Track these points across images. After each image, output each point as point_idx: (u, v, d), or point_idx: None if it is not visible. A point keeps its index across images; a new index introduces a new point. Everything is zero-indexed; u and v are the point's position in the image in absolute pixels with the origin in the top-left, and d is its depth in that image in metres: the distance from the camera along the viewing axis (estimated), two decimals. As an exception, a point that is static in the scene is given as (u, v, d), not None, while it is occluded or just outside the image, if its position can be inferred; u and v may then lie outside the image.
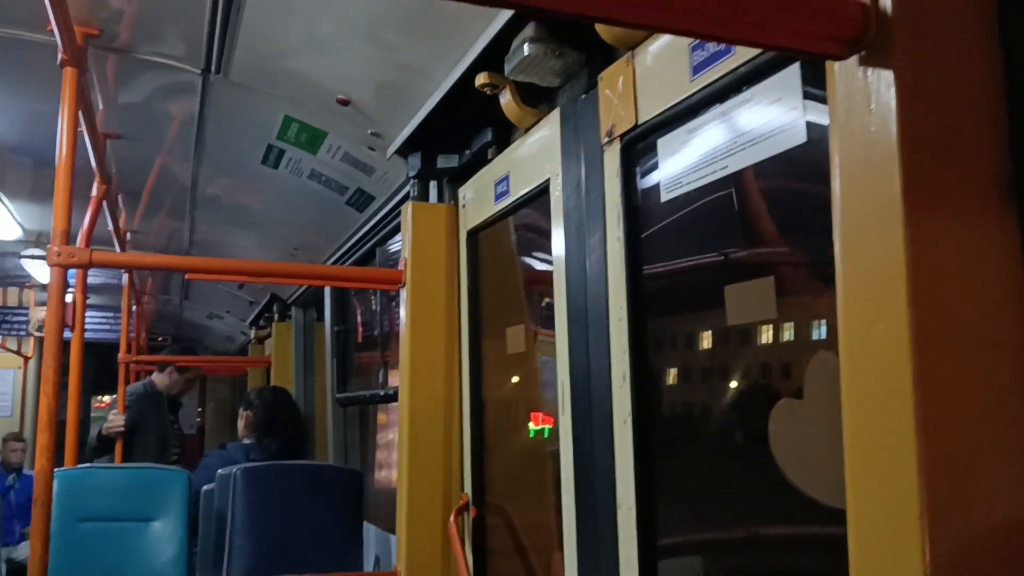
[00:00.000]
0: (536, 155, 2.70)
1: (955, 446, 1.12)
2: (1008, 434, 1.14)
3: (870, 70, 1.20)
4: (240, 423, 5.82)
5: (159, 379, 7.13)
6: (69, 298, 4.60)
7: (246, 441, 5.65)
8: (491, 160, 3.12)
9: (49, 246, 2.97)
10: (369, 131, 3.66)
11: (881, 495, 1.16)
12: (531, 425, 3.01)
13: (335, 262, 5.64)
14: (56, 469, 3.54)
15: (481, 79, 2.71)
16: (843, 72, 1.23)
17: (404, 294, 3.41)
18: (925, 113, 1.17)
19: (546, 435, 2.89)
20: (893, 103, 1.16)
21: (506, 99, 2.72)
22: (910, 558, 1.10)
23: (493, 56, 2.63)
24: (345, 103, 3.51)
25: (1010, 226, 1.19)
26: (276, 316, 8.46)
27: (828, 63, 1.26)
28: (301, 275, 4.36)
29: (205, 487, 4.49)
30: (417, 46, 2.95)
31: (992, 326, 1.16)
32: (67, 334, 4.43)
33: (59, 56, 2.97)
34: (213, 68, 3.56)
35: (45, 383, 2.89)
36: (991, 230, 1.19)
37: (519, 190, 2.84)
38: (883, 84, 1.18)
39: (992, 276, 1.18)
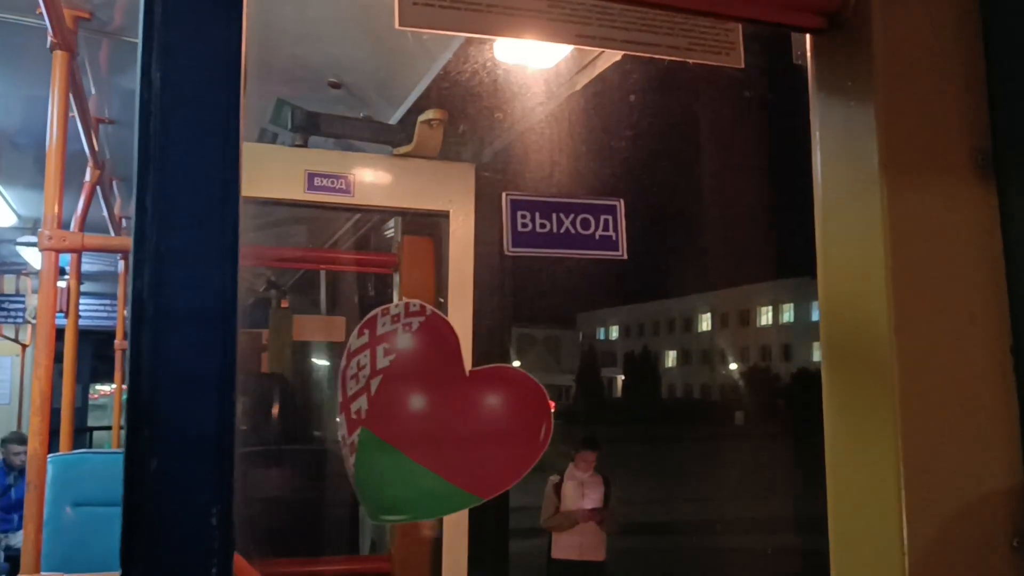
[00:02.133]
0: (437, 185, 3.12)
1: (934, 416, 1.13)
2: (984, 404, 1.15)
3: (849, 44, 1.20)
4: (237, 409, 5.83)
5: None
6: (64, 284, 4.62)
7: (243, 427, 5.66)
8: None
9: (40, 230, 2.96)
10: (361, 114, 3.65)
11: (862, 466, 1.16)
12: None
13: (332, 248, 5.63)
14: (50, 454, 3.55)
15: (429, 115, 2.99)
16: (822, 46, 1.23)
17: (397, 277, 3.42)
18: (903, 86, 1.17)
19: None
20: (871, 76, 1.16)
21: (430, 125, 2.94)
22: (889, 528, 1.11)
23: (481, 40, 2.62)
24: (337, 86, 3.50)
25: (989, 198, 1.20)
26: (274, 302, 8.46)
27: (808, 36, 1.26)
28: (295, 259, 4.36)
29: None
30: (407, 30, 2.94)
31: (970, 297, 1.17)
32: (63, 321, 4.47)
33: (49, 40, 2.96)
34: (205, 52, 3.54)
35: (37, 367, 2.89)
36: (970, 202, 1.19)
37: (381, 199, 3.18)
38: (862, 58, 1.18)
39: (971, 247, 1.18)
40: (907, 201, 1.15)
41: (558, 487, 6.36)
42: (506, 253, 1.21)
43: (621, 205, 1.30)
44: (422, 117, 2.98)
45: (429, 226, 3.44)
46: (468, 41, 2.72)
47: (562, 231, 1.25)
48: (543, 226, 1.25)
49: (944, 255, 1.16)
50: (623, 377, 63.72)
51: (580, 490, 6.36)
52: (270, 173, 3.07)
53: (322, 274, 6.42)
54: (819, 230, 1.23)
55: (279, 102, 3.93)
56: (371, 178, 3.08)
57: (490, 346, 3.18)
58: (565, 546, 6.33)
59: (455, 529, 3.05)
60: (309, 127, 3.19)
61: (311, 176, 3.03)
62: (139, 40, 0.83)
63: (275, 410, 5.84)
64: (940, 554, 1.09)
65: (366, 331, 1.15)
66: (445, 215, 3.10)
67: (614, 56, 2.42)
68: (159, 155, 0.80)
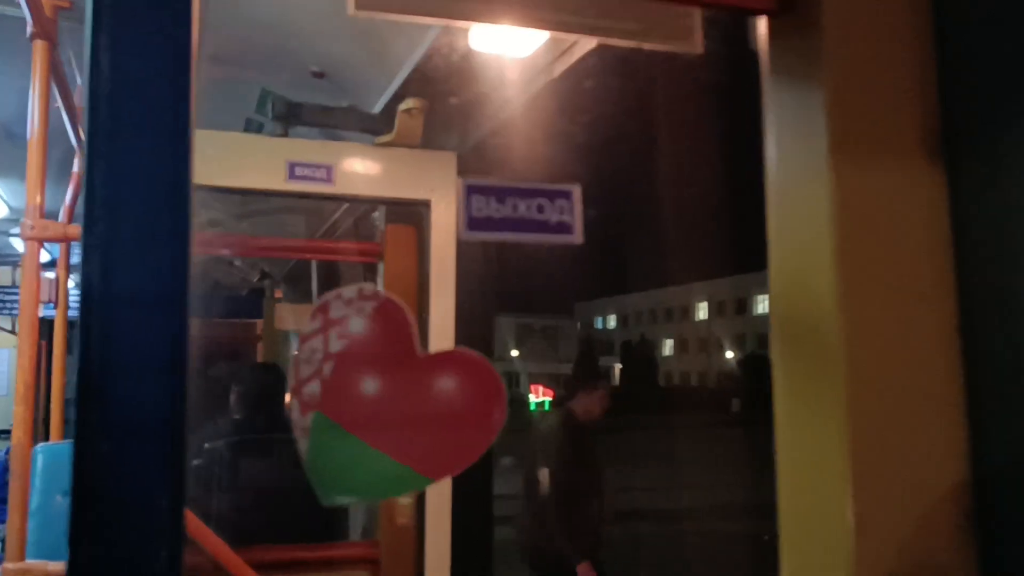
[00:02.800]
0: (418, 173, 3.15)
1: (881, 397, 1.14)
2: (932, 384, 1.16)
3: (800, 26, 1.20)
4: (232, 398, 5.84)
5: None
6: (52, 275, 4.62)
7: (236, 417, 5.67)
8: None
9: (23, 220, 2.97)
10: (344, 103, 3.65)
11: (811, 446, 1.18)
12: (531, 398, 3.20)
13: (323, 237, 5.63)
14: (40, 444, 3.56)
15: (408, 103, 3.02)
16: (773, 28, 1.24)
17: (382, 266, 3.43)
18: (854, 69, 1.18)
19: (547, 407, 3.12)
20: (822, 59, 1.17)
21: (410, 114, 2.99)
22: (837, 507, 1.12)
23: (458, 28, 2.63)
24: (320, 76, 3.51)
25: (939, 179, 1.21)
26: (267, 293, 8.48)
27: (761, 19, 1.27)
28: (280, 247, 4.37)
29: (194, 461, 4.51)
30: (389, 19, 2.94)
31: (919, 278, 1.18)
32: (52, 312, 4.47)
33: (29, 29, 2.95)
34: (188, 41, 3.54)
35: (21, 357, 2.90)
36: (920, 184, 1.20)
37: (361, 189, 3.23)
38: (813, 40, 1.18)
39: (920, 228, 1.19)
40: (856, 183, 1.16)
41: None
42: (460, 238, 1.22)
43: (577, 190, 1.30)
44: (402, 106, 2.98)
45: (412, 215, 3.45)
46: (446, 29, 2.72)
47: (517, 216, 1.26)
48: (498, 211, 1.26)
49: (893, 237, 1.17)
50: (620, 365, 63.56)
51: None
52: (250, 163, 3.08)
53: (313, 264, 6.43)
54: (770, 212, 1.24)
55: (263, 92, 3.93)
56: (352, 167, 3.10)
57: (473, 334, 3.19)
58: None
59: (438, 515, 3.07)
60: (290, 116, 3.20)
61: (292, 165, 3.05)
62: (87, 28, 0.84)
63: (268, 399, 5.84)
64: (886, 532, 1.11)
65: (319, 315, 1.16)
66: (427, 204, 3.10)
67: (590, 43, 2.42)
68: (108, 141, 0.81)
